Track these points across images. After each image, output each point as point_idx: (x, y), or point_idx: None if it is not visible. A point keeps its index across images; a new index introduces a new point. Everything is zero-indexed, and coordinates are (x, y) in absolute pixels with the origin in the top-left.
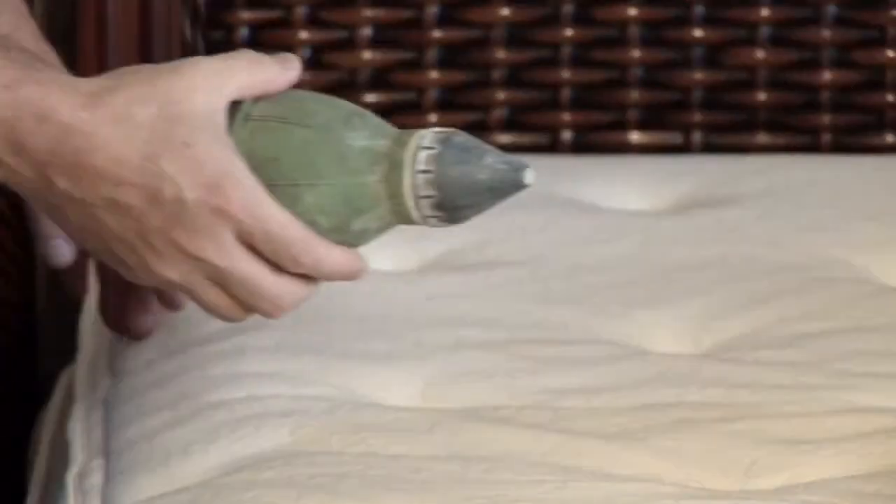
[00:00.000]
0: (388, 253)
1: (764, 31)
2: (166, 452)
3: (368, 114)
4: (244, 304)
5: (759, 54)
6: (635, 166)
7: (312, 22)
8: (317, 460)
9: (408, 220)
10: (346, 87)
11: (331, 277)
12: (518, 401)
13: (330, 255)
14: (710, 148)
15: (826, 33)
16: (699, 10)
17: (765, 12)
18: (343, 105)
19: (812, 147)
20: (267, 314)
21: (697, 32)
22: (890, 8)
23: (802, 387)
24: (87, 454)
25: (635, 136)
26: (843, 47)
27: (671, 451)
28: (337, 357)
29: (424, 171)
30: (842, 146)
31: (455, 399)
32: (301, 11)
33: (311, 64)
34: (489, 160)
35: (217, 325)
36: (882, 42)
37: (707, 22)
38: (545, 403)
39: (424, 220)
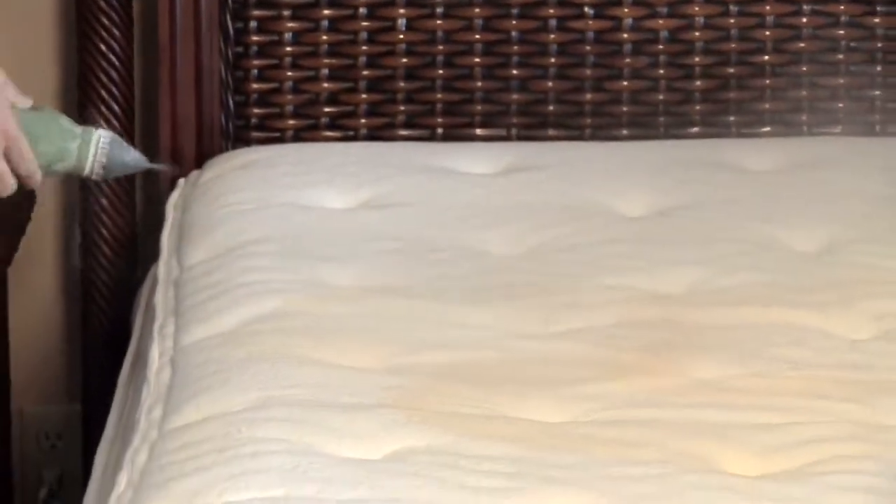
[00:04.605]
0: (337, 196)
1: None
2: (210, 313)
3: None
4: None
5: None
6: (480, 148)
7: None
8: (298, 316)
9: (80, 172)
10: None
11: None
12: (412, 282)
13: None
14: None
15: None
16: None
17: None
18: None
19: None
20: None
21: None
22: None
23: (573, 275)
24: (165, 314)
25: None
26: None
27: (522, 310)
28: (308, 259)
29: (104, 149)
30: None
31: (376, 281)
32: None
33: None
34: (133, 153)
35: (251, 235)
36: None
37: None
38: (429, 284)
39: (91, 173)
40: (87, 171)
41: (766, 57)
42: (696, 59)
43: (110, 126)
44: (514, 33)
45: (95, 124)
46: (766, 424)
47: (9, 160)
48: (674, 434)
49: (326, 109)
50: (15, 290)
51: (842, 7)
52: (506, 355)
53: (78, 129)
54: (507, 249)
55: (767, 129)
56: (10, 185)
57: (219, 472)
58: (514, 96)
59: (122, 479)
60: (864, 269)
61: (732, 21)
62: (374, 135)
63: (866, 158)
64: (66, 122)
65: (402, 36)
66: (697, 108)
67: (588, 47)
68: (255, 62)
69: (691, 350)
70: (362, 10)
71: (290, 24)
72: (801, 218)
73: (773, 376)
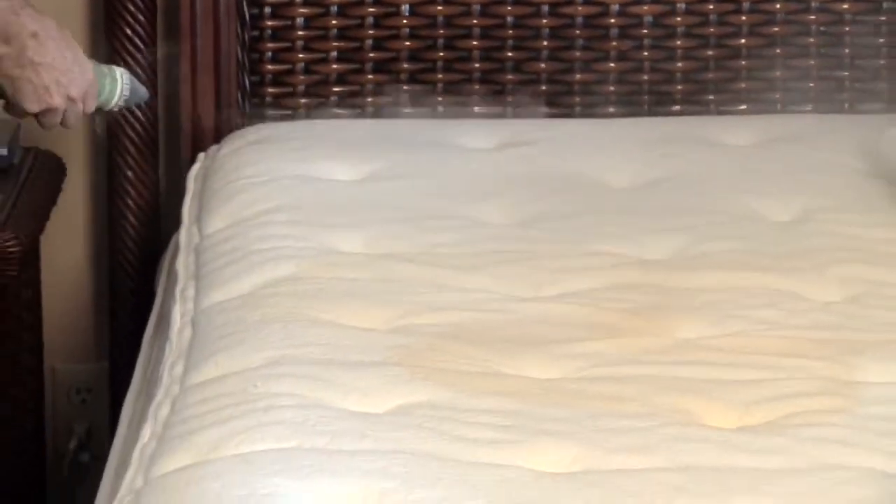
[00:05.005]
0: (345, 169)
1: None
2: (228, 277)
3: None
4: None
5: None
6: (478, 125)
7: None
8: (309, 281)
9: (107, 105)
10: None
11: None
12: (415, 249)
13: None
14: None
15: None
16: None
17: None
18: None
19: None
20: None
21: None
22: None
23: (564, 242)
24: (186, 278)
25: None
26: None
27: (516, 275)
28: (318, 228)
29: (126, 84)
30: None
31: (382, 248)
32: None
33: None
34: (142, 87)
35: (265, 205)
36: None
37: None
38: (428, 251)
39: (115, 105)
40: (113, 102)
41: (743, 40)
42: (678, 42)
43: (136, 106)
44: (509, 18)
45: (112, 64)
46: (743, 381)
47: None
48: (658, 390)
49: (335, 89)
50: (47, 257)
51: None
52: (502, 317)
53: (105, 68)
54: (502, 219)
55: (744, 106)
56: (80, 121)
57: (236, 425)
58: (510, 77)
59: (147, 431)
60: (834, 236)
61: (711, 7)
62: (380, 113)
63: (836, 134)
64: (95, 63)
65: (405, 21)
66: (679, 87)
67: (577, 31)
68: (270, 45)
69: (675, 312)
70: None
71: (302, 10)
72: (775, 189)
73: (750, 336)
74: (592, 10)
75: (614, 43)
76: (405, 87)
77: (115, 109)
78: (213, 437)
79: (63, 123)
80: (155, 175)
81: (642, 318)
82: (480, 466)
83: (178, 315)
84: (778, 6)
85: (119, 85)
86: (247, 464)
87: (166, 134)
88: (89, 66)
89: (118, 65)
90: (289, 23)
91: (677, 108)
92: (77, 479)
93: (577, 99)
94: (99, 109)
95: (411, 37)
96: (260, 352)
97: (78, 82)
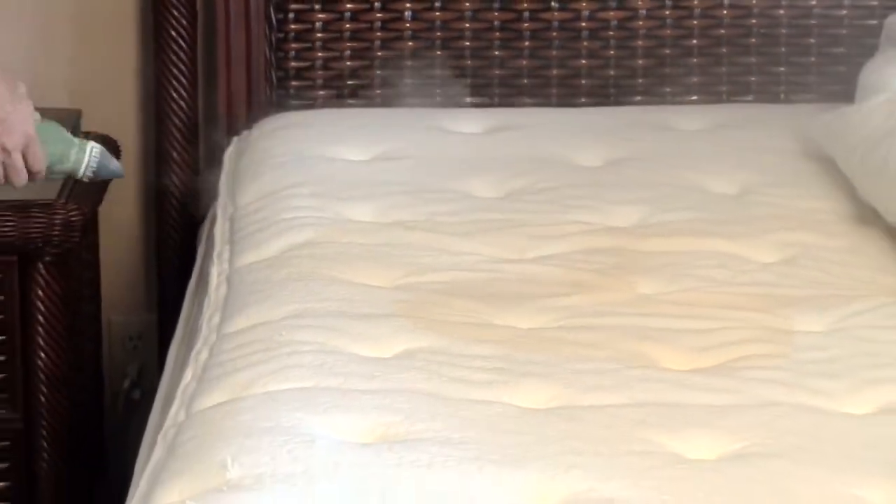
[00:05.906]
0: (357, 150)
1: None
2: (257, 242)
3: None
4: None
5: None
6: (469, 113)
7: None
8: (326, 245)
9: (75, 174)
10: None
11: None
12: (418, 218)
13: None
14: None
15: None
16: None
17: None
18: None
19: None
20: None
21: None
22: None
23: (543, 212)
24: (222, 243)
25: None
26: None
27: (503, 240)
28: (334, 200)
29: (95, 157)
30: None
31: (388, 217)
32: None
33: None
34: (115, 162)
35: (289, 181)
36: None
37: None
38: (429, 220)
39: (83, 176)
40: (80, 173)
41: (695, 41)
42: (639, 42)
43: (180, 96)
44: (496, 22)
45: (89, 137)
46: (696, 330)
47: (25, 158)
48: (623, 337)
49: (349, 82)
50: (105, 225)
51: (754, 1)
52: (490, 276)
53: (76, 139)
54: (490, 192)
55: (695, 97)
56: (24, 178)
57: (264, 368)
58: (497, 72)
59: (188, 374)
60: (772, 207)
61: (668, 13)
62: (387, 102)
63: (773, 121)
64: (66, 133)
65: (408, 24)
66: (640, 81)
67: (554, 33)
68: (293, 45)
69: (637, 271)
70: (377, 4)
71: (320, 15)
72: (722, 167)
73: (701, 292)
74: (566, 15)
75: (585, 43)
76: (408, 81)
77: (85, 180)
78: (244, 378)
79: (8, 179)
80: (196, 155)
81: (609, 276)
82: (472, 403)
83: (216, 274)
84: (724, 12)
85: (86, 157)
86: (273, 401)
87: (205, 120)
88: (31, 122)
89: (167, 60)
90: (309, 26)
91: (639, 98)
92: (130, 413)
93: (554, 90)
94: (70, 175)
95: (413, 38)
96: (284, 305)
97: (15, 136)
